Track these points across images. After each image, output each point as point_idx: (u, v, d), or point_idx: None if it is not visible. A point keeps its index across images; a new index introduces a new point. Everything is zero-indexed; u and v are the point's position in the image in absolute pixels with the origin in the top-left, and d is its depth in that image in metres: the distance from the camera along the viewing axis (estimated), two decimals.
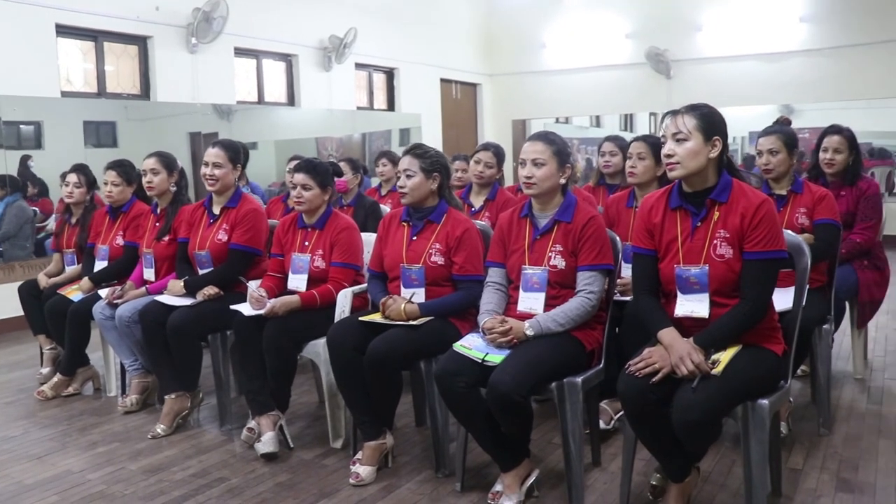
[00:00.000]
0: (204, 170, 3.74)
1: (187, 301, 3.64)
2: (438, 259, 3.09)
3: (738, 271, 2.41)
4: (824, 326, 3.40)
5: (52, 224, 6.34)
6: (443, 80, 10.91)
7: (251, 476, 3.12)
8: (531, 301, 2.80)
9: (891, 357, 4.61)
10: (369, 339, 2.94)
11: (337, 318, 3.27)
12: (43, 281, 4.50)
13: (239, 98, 8.00)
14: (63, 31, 6.42)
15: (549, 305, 2.77)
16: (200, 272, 3.78)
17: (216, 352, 3.69)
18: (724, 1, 10.08)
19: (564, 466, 2.75)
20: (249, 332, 3.28)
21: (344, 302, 3.32)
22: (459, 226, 3.11)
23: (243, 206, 3.77)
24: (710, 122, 2.41)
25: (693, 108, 2.43)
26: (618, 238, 2.97)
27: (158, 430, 3.59)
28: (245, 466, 3.22)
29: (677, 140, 2.41)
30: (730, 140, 2.51)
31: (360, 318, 3.08)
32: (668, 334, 2.39)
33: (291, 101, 8.70)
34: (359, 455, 3.08)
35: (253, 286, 3.42)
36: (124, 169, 4.35)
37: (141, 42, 7.06)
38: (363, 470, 3.01)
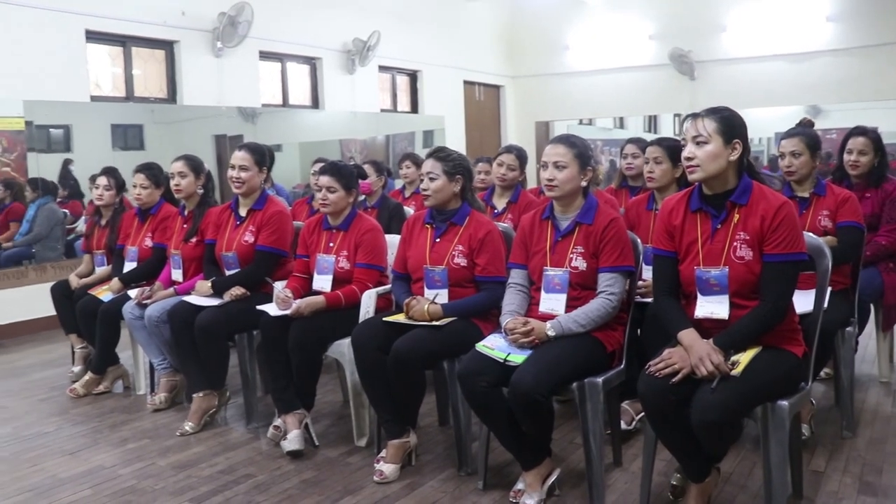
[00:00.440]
0: (231, 173, 3.81)
1: (214, 301, 3.71)
2: (461, 261, 3.13)
3: (758, 273, 2.42)
4: (847, 329, 3.37)
5: (81, 226, 6.47)
6: (466, 83, 10.94)
7: (277, 473, 3.18)
8: (553, 302, 2.83)
9: None
10: (393, 339, 2.98)
11: (361, 318, 3.32)
12: (74, 281, 4.58)
13: (264, 101, 8.09)
14: (92, 36, 6.54)
15: (570, 306, 2.80)
16: (227, 273, 3.84)
17: (243, 351, 3.76)
18: (749, 1, 10.00)
19: (585, 466, 2.77)
20: (276, 332, 3.34)
21: (368, 302, 3.37)
22: (482, 228, 3.15)
23: (269, 208, 3.84)
24: (731, 126, 2.43)
25: (713, 112, 2.45)
26: (639, 240, 2.99)
27: (187, 428, 3.66)
28: (271, 464, 3.28)
29: (697, 143, 2.43)
30: (756, 141, 2.53)
31: (385, 319, 3.13)
32: (688, 335, 2.42)
33: (315, 103, 8.78)
34: (383, 453, 3.13)
35: (279, 287, 3.49)
36: (153, 172, 4.42)
37: (168, 47, 7.17)
38: (387, 468, 3.05)
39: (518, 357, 2.66)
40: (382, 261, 3.52)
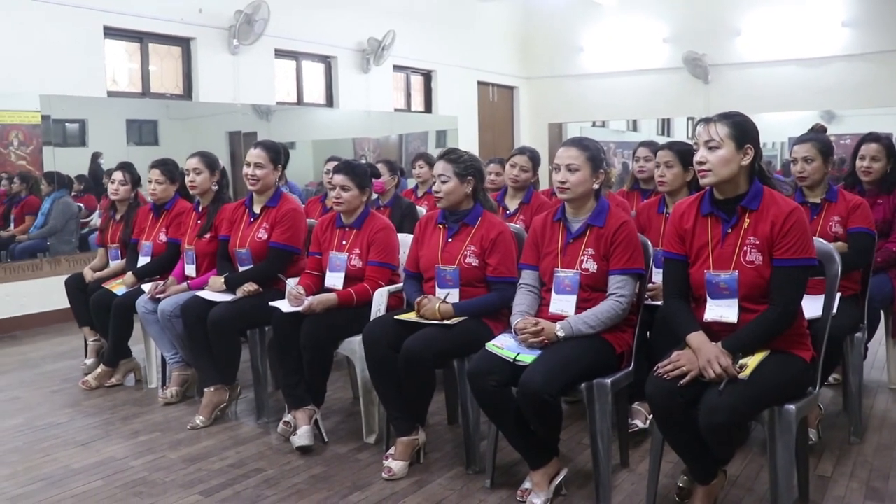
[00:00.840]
0: (246, 170, 3.84)
1: (227, 297, 3.74)
2: (473, 261, 3.15)
3: (768, 278, 2.43)
4: (856, 335, 3.38)
5: (95, 220, 6.53)
6: (480, 83, 10.96)
7: (287, 468, 3.21)
8: (563, 303, 2.85)
9: None
10: (404, 338, 3.01)
11: (373, 316, 3.35)
12: (88, 275, 4.63)
13: (279, 99, 8.13)
14: (110, 32, 6.60)
15: (580, 308, 2.82)
16: (240, 269, 3.87)
17: (254, 347, 3.79)
18: (764, 5, 9.97)
19: (592, 466, 2.80)
20: (288, 329, 3.37)
21: (380, 301, 3.40)
22: (494, 228, 3.17)
23: (283, 205, 3.87)
24: (743, 131, 2.44)
25: (726, 116, 2.47)
26: (649, 243, 3.01)
27: (197, 422, 3.70)
28: (281, 458, 3.31)
29: (709, 148, 2.44)
30: (769, 146, 2.54)
31: (396, 317, 3.16)
32: (696, 338, 2.43)
33: (330, 102, 8.82)
34: (391, 450, 3.16)
35: (291, 284, 3.52)
36: (168, 168, 4.46)
37: (184, 43, 7.22)
38: (395, 465, 3.08)
39: (527, 357, 2.68)
40: (395, 259, 3.54)
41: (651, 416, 3.37)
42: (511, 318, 2.91)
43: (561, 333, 2.72)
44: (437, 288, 3.20)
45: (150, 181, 4.42)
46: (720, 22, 10.25)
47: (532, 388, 2.55)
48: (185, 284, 4.05)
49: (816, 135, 3.74)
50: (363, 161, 4.24)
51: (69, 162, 6.40)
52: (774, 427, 2.43)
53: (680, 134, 12.12)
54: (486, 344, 2.80)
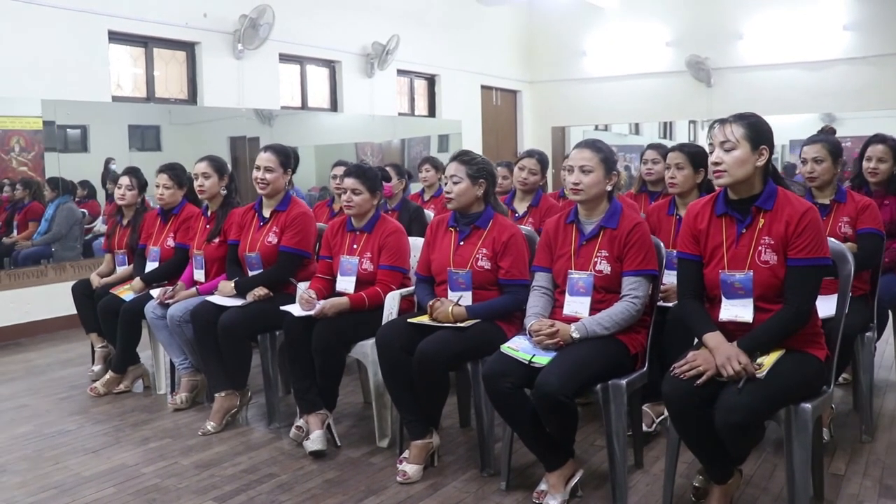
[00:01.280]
0: (255, 174, 3.84)
1: (237, 302, 3.74)
2: (485, 264, 3.15)
3: (782, 277, 2.45)
4: (867, 334, 3.40)
5: (99, 225, 6.52)
6: (483, 87, 10.97)
7: (300, 473, 3.21)
8: (577, 305, 2.85)
9: None
10: (417, 341, 3.01)
11: (385, 319, 3.35)
12: (95, 281, 4.61)
13: (283, 103, 8.14)
14: (115, 37, 6.60)
15: (594, 309, 2.82)
16: (250, 273, 3.87)
17: (265, 351, 3.78)
18: (766, 9, 10.01)
19: (608, 467, 2.80)
20: (299, 333, 3.37)
21: (392, 304, 3.40)
22: (505, 231, 3.17)
23: (293, 209, 3.87)
24: (758, 132, 2.46)
25: (741, 118, 2.48)
26: (662, 244, 3.01)
27: (208, 427, 3.69)
28: (294, 463, 3.30)
29: (725, 148, 2.45)
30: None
31: (409, 320, 3.16)
32: (713, 338, 2.44)
33: (334, 106, 8.83)
34: (405, 454, 3.15)
35: (302, 288, 3.52)
36: (176, 172, 4.45)
37: (189, 48, 7.23)
38: (410, 468, 3.08)
39: (543, 359, 2.68)
40: (406, 263, 3.54)
41: (657, 419, 3.42)
42: (525, 320, 2.91)
43: (576, 335, 2.73)
44: (449, 291, 3.20)
45: (157, 186, 4.41)
46: (722, 25, 10.28)
47: (548, 390, 2.55)
48: (194, 289, 4.05)
49: (826, 136, 3.75)
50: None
51: (72, 168, 6.38)
52: (791, 426, 2.44)
53: (681, 137, 12.16)
54: (501, 346, 2.81)
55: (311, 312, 3.35)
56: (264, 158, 3.83)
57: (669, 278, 3.25)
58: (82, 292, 4.64)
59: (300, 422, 3.42)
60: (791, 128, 10.00)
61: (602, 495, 2.89)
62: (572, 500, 2.83)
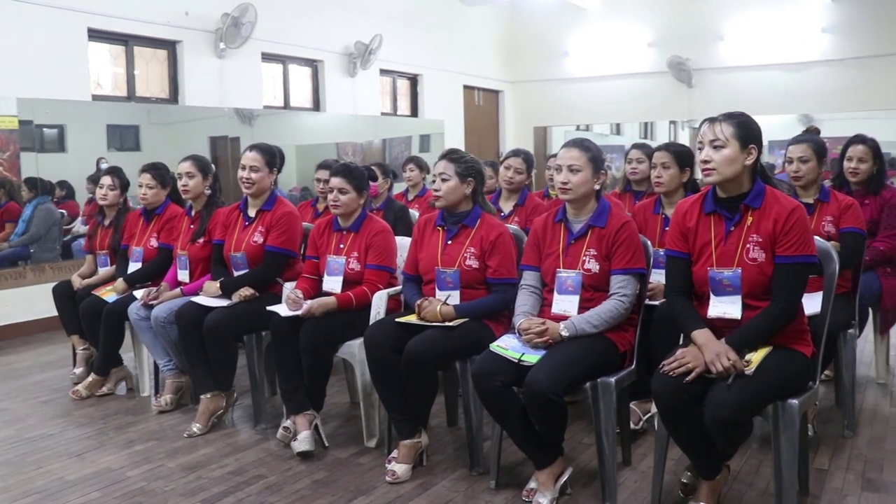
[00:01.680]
0: (241, 173, 3.81)
1: (223, 302, 3.71)
2: (473, 263, 3.15)
3: (770, 275, 2.48)
4: (849, 331, 3.47)
5: (78, 226, 6.45)
6: (466, 87, 10.99)
7: (288, 474, 3.19)
8: (565, 303, 2.86)
9: None
10: (405, 340, 3.01)
11: (372, 319, 3.34)
12: (77, 282, 4.56)
13: (265, 103, 8.10)
14: (95, 35, 6.52)
15: (582, 308, 2.84)
16: (235, 274, 3.85)
17: (251, 352, 3.76)
18: (747, 11, 10.11)
19: (598, 464, 2.81)
20: (286, 333, 3.35)
21: (379, 303, 3.39)
22: (493, 230, 3.17)
23: (279, 208, 3.85)
24: (748, 131, 2.49)
25: (731, 116, 2.50)
26: (649, 242, 3.03)
27: (194, 429, 3.66)
28: (282, 464, 3.28)
29: (714, 147, 2.48)
30: None
31: (397, 319, 3.15)
32: (702, 335, 2.46)
33: (317, 106, 8.80)
34: (394, 453, 3.15)
35: (289, 287, 3.50)
36: (159, 172, 4.41)
37: (170, 46, 7.16)
38: (399, 468, 3.07)
39: (532, 357, 2.69)
40: (393, 262, 3.54)
41: (644, 417, 3.44)
42: (514, 319, 2.92)
43: (565, 333, 2.74)
44: (437, 290, 3.20)
45: (140, 185, 4.37)
46: (704, 27, 10.37)
47: (538, 388, 2.56)
48: (178, 290, 4.01)
49: (811, 136, 3.81)
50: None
51: (49, 168, 6.29)
52: (778, 422, 2.47)
53: (662, 138, 12.22)
54: (491, 345, 2.81)
55: (299, 312, 3.33)
56: (250, 157, 3.80)
57: (656, 277, 3.28)
58: (63, 294, 4.59)
59: (287, 422, 3.40)
60: (770, 128, 10.00)
61: (591, 493, 2.90)
62: (562, 498, 2.83)
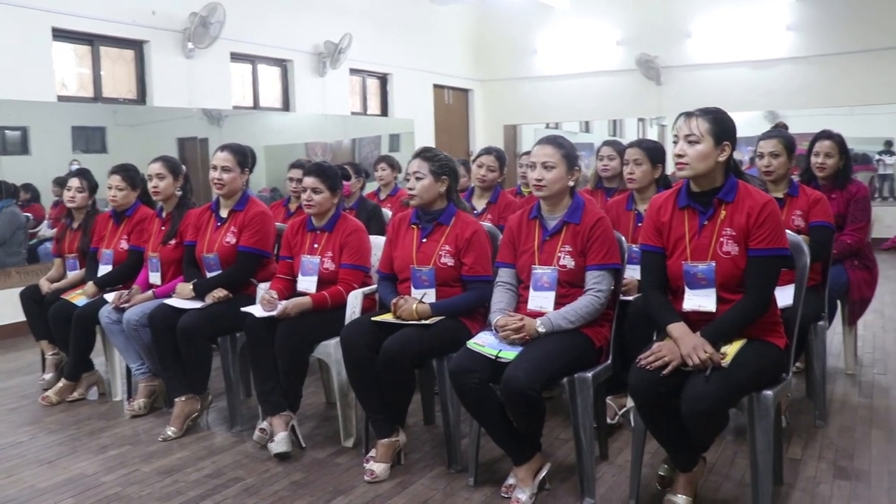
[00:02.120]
0: (212, 173, 3.77)
1: (196, 304, 3.67)
2: (448, 260, 3.15)
3: (743, 268, 2.51)
4: (819, 323, 3.53)
5: (44, 230, 6.34)
6: (435, 86, 10.99)
7: (266, 475, 3.16)
8: (541, 300, 2.88)
9: (879, 353, 4.76)
10: (381, 339, 3.00)
11: (348, 318, 3.33)
12: (45, 286, 4.48)
13: (235, 103, 8.03)
14: (59, 34, 6.41)
15: (558, 304, 2.85)
16: (208, 275, 3.81)
17: (226, 354, 3.72)
18: (714, 9, 10.24)
19: (576, 459, 2.82)
20: (261, 334, 3.32)
21: (355, 303, 3.38)
22: (468, 228, 3.18)
23: (251, 208, 3.82)
24: (722, 127, 2.52)
25: (706, 112, 2.53)
26: (623, 238, 3.05)
27: (169, 433, 3.62)
28: (259, 466, 3.26)
29: (689, 141, 2.50)
30: None
31: (373, 318, 3.14)
32: (678, 328, 2.49)
33: (286, 106, 8.74)
34: (372, 452, 3.14)
35: (263, 288, 3.47)
36: (129, 173, 4.35)
37: (137, 46, 7.06)
38: (377, 467, 3.06)
39: (509, 353, 2.69)
40: (367, 261, 3.53)
41: (620, 412, 3.47)
42: (490, 316, 2.92)
43: (542, 329, 2.75)
44: (412, 288, 3.19)
45: (110, 187, 4.31)
46: (671, 25, 10.47)
47: (516, 385, 2.57)
48: (150, 293, 3.96)
49: (781, 131, 3.87)
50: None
51: (12, 170, 6.17)
52: (753, 413, 2.50)
53: (631, 135, 12.34)
54: (468, 342, 2.81)
55: (274, 313, 3.31)
56: (221, 158, 3.77)
57: (630, 273, 3.30)
58: (31, 298, 4.52)
59: (264, 424, 3.37)
60: (737, 125, 10.20)
61: (569, 488, 2.92)
62: (541, 493, 2.85)
